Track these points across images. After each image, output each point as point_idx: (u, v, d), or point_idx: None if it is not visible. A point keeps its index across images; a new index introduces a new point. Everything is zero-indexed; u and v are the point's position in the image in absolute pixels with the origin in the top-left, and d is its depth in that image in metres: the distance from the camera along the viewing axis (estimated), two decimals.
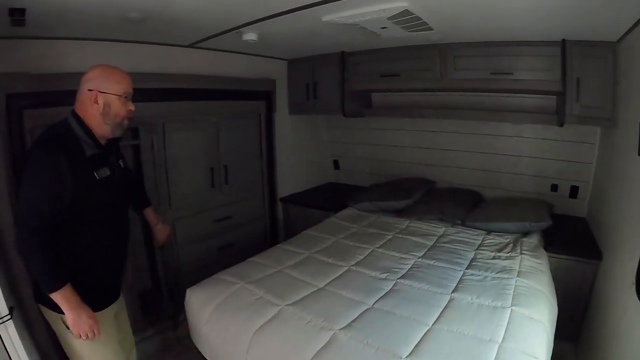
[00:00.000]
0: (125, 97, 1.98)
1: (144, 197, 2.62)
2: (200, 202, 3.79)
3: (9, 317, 1.77)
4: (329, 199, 4.68)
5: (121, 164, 2.21)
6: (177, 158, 3.62)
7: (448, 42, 3.43)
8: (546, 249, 3.05)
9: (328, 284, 2.60)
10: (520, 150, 3.92)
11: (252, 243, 4.32)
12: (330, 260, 2.94)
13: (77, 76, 2.18)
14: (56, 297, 1.79)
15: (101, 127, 1.96)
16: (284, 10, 2.48)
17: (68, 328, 1.92)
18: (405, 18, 2.59)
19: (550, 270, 2.79)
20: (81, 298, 1.90)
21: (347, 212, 4.10)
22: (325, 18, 2.64)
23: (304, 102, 4.54)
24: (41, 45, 2.74)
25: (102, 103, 1.91)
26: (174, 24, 2.73)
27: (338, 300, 2.39)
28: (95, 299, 2.01)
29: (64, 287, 1.79)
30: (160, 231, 2.66)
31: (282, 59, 4.58)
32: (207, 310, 2.44)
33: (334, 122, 5.15)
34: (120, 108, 1.96)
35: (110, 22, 2.55)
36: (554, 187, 3.80)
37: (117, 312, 2.24)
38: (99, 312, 2.02)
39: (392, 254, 3.00)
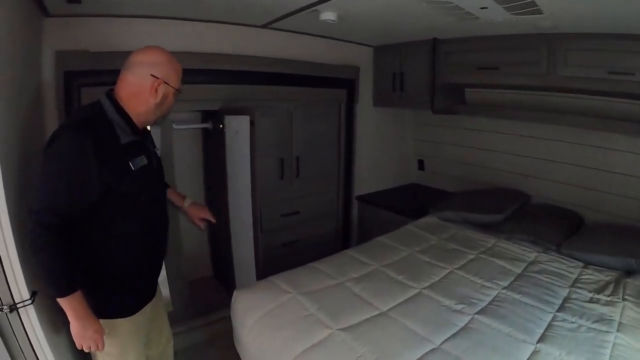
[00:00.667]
0: (179, 91, 1.90)
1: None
2: (267, 193, 3.58)
3: (30, 301, 1.68)
4: (409, 202, 4.38)
5: (157, 151, 2.08)
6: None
7: (559, 32, 2.94)
8: None
9: (392, 308, 2.32)
10: (633, 169, 3.30)
11: (320, 242, 4.11)
12: (400, 277, 2.65)
13: None
14: (63, 303, 1.62)
15: (148, 116, 1.85)
16: None
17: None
18: None
19: None
20: (112, 303, 1.82)
21: (427, 220, 3.75)
22: None
23: (389, 93, 4.22)
24: (102, 23, 2.70)
25: (162, 94, 1.81)
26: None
27: (400, 333, 2.10)
28: (127, 303, 1.90)
29: (73, 294, 1.62)
30: (194, 209, 2.50)
31: (368, 45, 4.30)
32: (252, 318, 2.28)
33: (421, 118, 4.79)
34: (173, 102, 1.91)
35: None
36: None
37: (151, 308, 2.09)
38: (131, 317, 1.90)
39: (472, 279, 2.64)
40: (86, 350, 1.75)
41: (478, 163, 4.39)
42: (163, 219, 2.07)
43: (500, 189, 4.05)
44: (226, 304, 2.70)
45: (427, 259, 2.93)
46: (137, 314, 1.94)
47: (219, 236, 4.00)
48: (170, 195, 2.43)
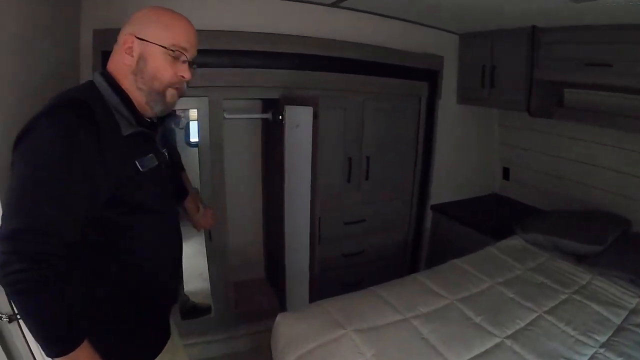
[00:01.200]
0: (175, 52, 1.40)
1: (183, 185, 2.13)
2: (330, 197, 3.31)
3: None
4: (491, 217, 3.95)
5: (165, 152, 1.65)
6: None
7: None
8: None
9: None
10: None
11: (386, 255, 3.84)
12: (478, 319, 2.27)
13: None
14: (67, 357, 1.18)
15: (134, 94, 1.41)
16: None
17: None
18: None
19: None
20: (120, 351, 1.40)
21: (511, 242, 3.27)
22: None
23: (477, 89, 3.75)
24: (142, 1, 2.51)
25: (138, 53, 1.38)
26: None
27: None
28: (142, 347, 1.53)
29: (80, 348, 1.19)
30: (202, 220, 2.23)
31: (453, 33, 3.86)
32: (292, 354, 2.02)
33: (510, 120, 4.27)
34: (164, 67, 1.40)
35: None
36: None
37: (170, 350, 1.70)
38: None
39: (564, 329, 2.20)
40: None
41: (572, 177, 3.84)
42: (175, 238, 1.68)
43: (598, 212, 3.47)
44: (277, 312, 2.47)
45: (512, 295, 2.52)
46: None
47: (273, 237, 3.74)
48: (189, 204, 2.16)
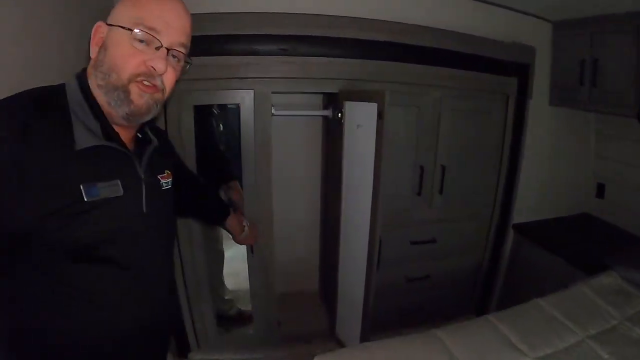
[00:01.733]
0: (140, 33, 1.12)
1: (221, 204, 2.14)
2: (397, 212, 3.00)
3: None
4: (582, 243, 3.42)
5: (163, 182, 1.40)
6: None
7: None
8: None
9: None
10: None
11: (456, 280, 3.49)
12: None
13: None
14: None
15: (96, 95, 1.17)
16: None
17: None
18: None
19: None
20: None
21: (606, 280, 2.78)
22: None
23: (575, 88, 3.26)
24: None
25: (103, 43, 1.16)
26: None
27: None
28: None
29: None
30: (246, 239, 2.30)
31: (545, 20, 3.41)
32: None
33: (610, 127, 3.77)
34: (127, 54, 1.13)
35: None
36: None
37: None
38: None
39: None
40: None
41: None
42: (153, 304, 1.38)
43: None
44: (325, 334, 2.73)
45: (607, 357, 2.07)
46: None
47: (329, 251, 3.50)
48: (231, 224, 2.17)
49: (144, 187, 1.26)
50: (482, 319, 2.34)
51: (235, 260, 3.27)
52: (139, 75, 1.14)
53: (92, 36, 1.17)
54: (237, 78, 2.59)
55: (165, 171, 1.41)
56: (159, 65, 1.14)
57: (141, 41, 1.12)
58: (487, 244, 3.59)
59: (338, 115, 2.85)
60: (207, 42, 2.34)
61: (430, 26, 2.95)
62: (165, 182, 1.40)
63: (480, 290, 3.62)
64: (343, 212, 2.97)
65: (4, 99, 1.07)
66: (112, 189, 1.15)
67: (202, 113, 2.80)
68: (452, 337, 2.10)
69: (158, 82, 1.17)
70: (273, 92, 2.69)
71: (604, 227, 3.78)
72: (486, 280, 3.68)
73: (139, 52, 1.12)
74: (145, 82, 1.15)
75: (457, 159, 3.14)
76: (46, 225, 1.04)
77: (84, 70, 1.21)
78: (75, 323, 1.17)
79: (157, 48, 1.14)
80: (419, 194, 3.04)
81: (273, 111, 2.76)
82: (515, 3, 3.17)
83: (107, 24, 1.15)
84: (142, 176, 1.26)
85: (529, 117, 3.43)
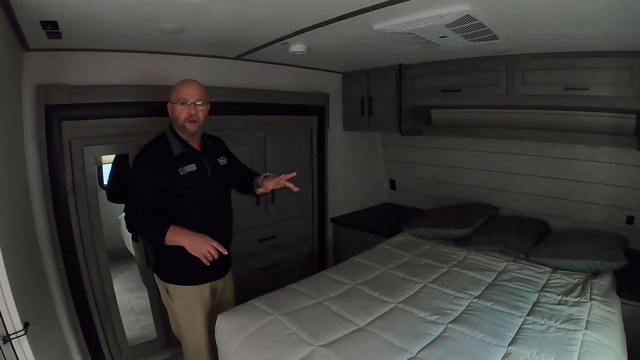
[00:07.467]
0: (182, 103, 2.32)
1: (250, 182, 2.77)
2: (244, 220, 3.64)
3: (23, 332, 1.66)
4: (383, 221, 4.47)
5: (220, 161, 2.56)
6: None
7: (516, 54, 3.15)
8: (619, 293, 2.68)
9: (370, 323, 2.37)
10: (593, 177, 3.51)
11: (298, 264, 4.23)
12: (376, 294, 2.71)
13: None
14: (170, 240, 2.20)
15: (181, 130, 2.38)
16: (329, 18, 2.34)
17: (170, 297, 2.48)
18: (466, 25, 2.34)
19: (622, 320, 2.44)
20: (183, 270, 2.41)
21: (400, 238, 3.85)
22: (377, 27, 2.47)
23: (359, 117, 4.35)
24: (82, 57, 2.77)
25: (170, 111, 2.39)
26: (214, 36, 2.70)
27: (378, 345, 2.15)
28: (194, 273, 2.43)
29: (169, 231, 2.18)
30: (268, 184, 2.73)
31: (337, 72, 4.43)
32: (236, 340, 2.29)
33: (390, 140, 4.92)
34: (179, 112, 2.34)
35: (148, 34, 2.54)
36: (630, 220, 3.37)
37: (219, 288, 2.65)
38: (197, 286, 2.47)
39: (445, 291, 2.74)
40: (209, 258, 2.20)
41: (447, 180, 4.55)
42: (223, 210, 2.59)
43: (469, 204, 4.21)
44: None
45: (402, 275, 3.01)
46: (203, 284, 2.50)
47: None
48: (263, 188, 2.73)
49: (207, 165, 2.46)
50: (318, 274, 3.14)
51: None
52: (186, 118, 2.34)
53: (168, 108, 2.39)
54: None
55: (221, 156, 2.61)
56: (192, 112, 2.34)
57: (182, 104, 2.33)
58: (314, 235, 4.42)
59: None
60: (96, 107, 2.79)
61: (255, 87, 3.66)
62: (222, 162, 2.59)
63: (318, 269, 4.30)
64: None
65: (146, 144, 2.39)
66: (190, 167, 2.37)
67: None
68: (301, 285, 2.85)
69: (195, 119, 2.36)
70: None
71: (398, 209, 4.93)
72: (320, 261, 4.50)
73: (184, 109, 2.34)
74: (191, 119, 2.34)
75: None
76: (172, 185, 2.32)
77: (170, 124, 2.43)
78: (191, 224, 2.27)
79: (189, 104, 2.33)
80: (257, 204, 3.77)
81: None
82: (318, 64, 4.02)
83: (170, 102, 2.37)
84: (205, 160, 2.45)
85: (329, 141, 4.39)
